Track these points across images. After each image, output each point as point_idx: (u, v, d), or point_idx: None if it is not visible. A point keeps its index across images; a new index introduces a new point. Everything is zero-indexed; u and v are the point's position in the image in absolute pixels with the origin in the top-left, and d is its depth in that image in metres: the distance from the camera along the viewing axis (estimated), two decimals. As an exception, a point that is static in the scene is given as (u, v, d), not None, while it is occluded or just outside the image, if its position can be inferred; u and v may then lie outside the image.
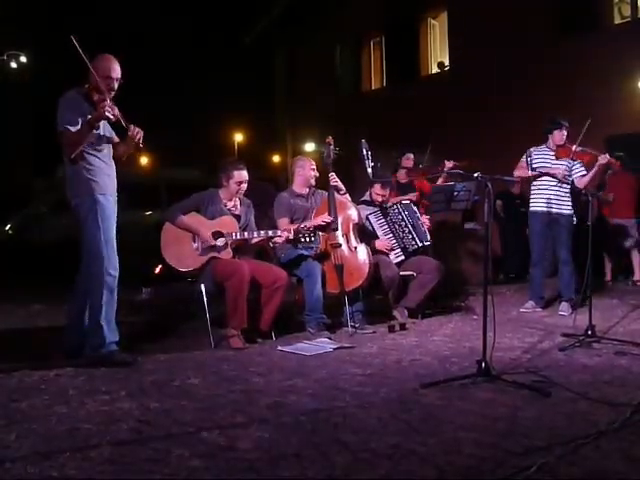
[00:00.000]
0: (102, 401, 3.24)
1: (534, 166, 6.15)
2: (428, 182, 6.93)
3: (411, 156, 7.07)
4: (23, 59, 18.21)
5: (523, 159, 6.28)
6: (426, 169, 6.94)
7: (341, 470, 2.36)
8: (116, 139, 4.28)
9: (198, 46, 30.47)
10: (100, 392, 3.41)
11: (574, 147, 6.02)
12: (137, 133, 4.07)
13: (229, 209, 4.94)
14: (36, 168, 21.40)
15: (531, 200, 6.38)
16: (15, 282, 8.99)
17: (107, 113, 3.85)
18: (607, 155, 5.95)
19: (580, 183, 6.08)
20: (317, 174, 5.56)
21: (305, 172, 5.53)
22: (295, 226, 4.98)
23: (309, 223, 5.12)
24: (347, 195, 5.54)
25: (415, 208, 6.10)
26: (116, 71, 4.07)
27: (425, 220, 6.07)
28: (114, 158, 4.28)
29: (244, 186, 4.96)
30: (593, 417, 2.91)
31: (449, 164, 6.64)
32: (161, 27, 29.06)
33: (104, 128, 4.17)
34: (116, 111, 3.92)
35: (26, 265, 10.16)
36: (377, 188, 5.91)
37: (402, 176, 6.97)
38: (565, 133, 6.16)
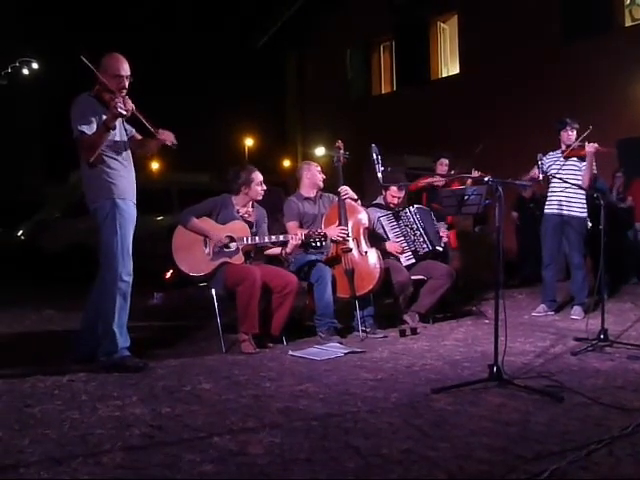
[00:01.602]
0: (114, 406, 3.26)
1: (544, 169, 6.11)
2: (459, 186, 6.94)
3: (445, 161, 7.06)
4: (35, 65, 18.35)
5: (535, 168, 6.19)
6: (457, 174, 6.92)
7: (353, 475, 2.36)
8: (138, 136, 4.28)
9: (209, 49, 30.58)
10: (112, 397, 3.42)
11: (574, 144, 6.02)
12: (167, 137, 4.12)
13: (241, 215, 4.96)
14: (46, 173, 21.56)
15: (545, 203, 6.38)
16: (27, 287, 9.05)
17: (120, 110, 3.83)
18: (595, 144, 5.89)
19: (583, 182, 6.02)
20: (324, 177, 5.58)
21: (313, 176, 5.54)
22: (306, 231, 4.98)
23: (325, 231, 5.07)
24: (359, 202, 5.54)
25: (431, 213, 6.10)
26: (125, 69, 4.06)
27: (443, 234, 6.10)
28: (136, 156, 4.30)
29: (264, 185, 5.02)
30: (606, 422, 2.90)
31: (475, 173, 6.63)
32: (172, 31, 29.23)
33: (121, 129, 4.16)
34: (130, 106, 3.91)
35: (38, 270, 10.23)
36: (393, 190, 5.90)
37: (437, 180, 6.98)
38: (572, 133, 6.14)
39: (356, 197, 5.47)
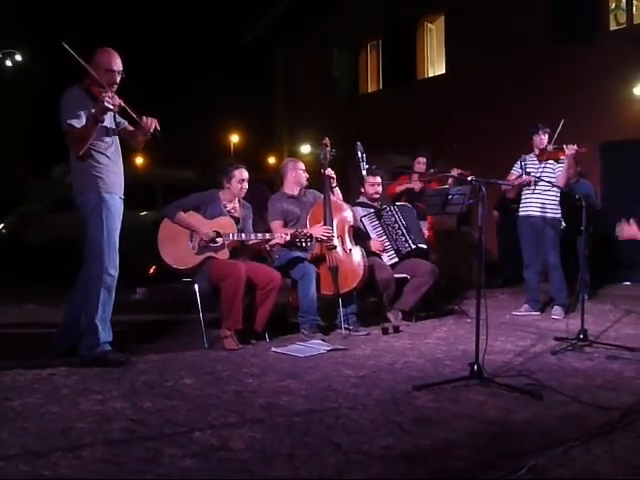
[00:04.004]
0: (95, 400, 3.24)
1: (527, 170, 6.20)
2: (438, 185, 6.97)
3: (423, 160, 7.08)
4: (18, 57, 18.14)
5: (516, 166, 6.32)
6: (437, 173, 6.95)
7: (333, 470, 2.37)
8: (130, 128, 4.28)
9: (196, 47, 30.47)
10: (93, 392, 3.41)
11: (549, 147, 6.11)
12: (151, 123, 4.09)
13: (229, 211, 4.95)
14: (30, 167, 21.36)
15: (520, 205, 6.46)
16: (9, 281, 8.97)
17: (107, 104, 3.81)
18: (574, 146, 5.98)
19: (559, 182, 6.12)
20: (307, 176, 5.58)
21: (297, 174, 5.55)
22: (292, 230, 4.98)
23: (310, 230, 5.08)
24: (337, 189, 5.55)
25: (414, 210, 6.13)
26: (117, 64, 4.06)
27: (425, 231, 6.14)
28: (132, 147, 4.31)
29: (246, 184, 4.98)
30: (584, 420, 2.93)
31: (454, 172, 6.66)
32: (158, 27, 29.06)
33: (111, 124, 4.16)
34: (117, 101, 3.90)
35: (20, 264, 10.15)
36: (371, 180, 5.96)
37: (414, 179, 7.02)
38: (544, 137, 6.25)
39: (335, 183, 5.49)
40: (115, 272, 4.07)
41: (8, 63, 18.25)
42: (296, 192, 5.55)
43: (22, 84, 22.25)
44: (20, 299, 6.97)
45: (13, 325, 5.72)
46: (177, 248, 4.78)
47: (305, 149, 14.26)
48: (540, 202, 6.26)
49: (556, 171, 6.22)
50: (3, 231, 11.41)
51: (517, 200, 8.95)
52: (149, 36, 27.51)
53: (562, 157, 6.11)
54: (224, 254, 4.78)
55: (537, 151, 6.31)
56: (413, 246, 5.84)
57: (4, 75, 19.64)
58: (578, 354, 4.39)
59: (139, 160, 22.00)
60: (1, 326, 5.66)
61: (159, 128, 4.14)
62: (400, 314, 5.68)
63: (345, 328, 5.19)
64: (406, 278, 5.78)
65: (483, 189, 3.72)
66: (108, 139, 4.11)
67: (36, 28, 22.75)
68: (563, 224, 6.32)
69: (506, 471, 2.33)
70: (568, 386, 3.54)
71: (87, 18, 25.36)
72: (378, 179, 6.04)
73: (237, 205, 5.02)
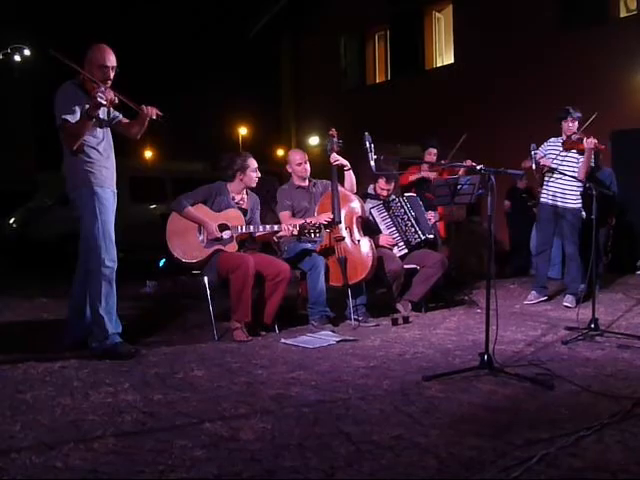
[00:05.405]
0: (106, 393, 3.26)
1: (537, 159, 6.13)
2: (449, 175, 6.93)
3: (434, 151, 7.05)
4: (27, 52, 18.19)
5: (541, 149, 6.20)
6: (449, 164, 6.92)
7: (343, 461, 2.37)
8: (125, 120, 4.30)
9: (203, 39, 30.43)
10: (104, 384, 3.43)
11: (574, 136, 6.03)
12: (151, 110, 4.11)
13: (237, 202, 4.95)
14: (39, 162, 21.46)
15: (541, 192, 6.41)
16: (20, 275, 9.04)
17: (100, 99, 3.83)
18: (594, 140, 5.91)
19: (580, 175, 6.04)
20: (307, 167, 5.52)
21: (293, 167, 5.52)
22: (300, 221, 4.98)
23: (312, 219, 5.08)
24: (350, 172, 5.50)
25: (420, 201, 6.10)
26: (111, 60, 4.07)
27: (430, 217, 6.09)
28: (129, 137, 4.31)
29: (258, 173, 5.00)
30: (595, 409, 2.92)
31: (468, 163, 6.62)
32: (166, 20, 29.06)
33: (104, 117, 4.17)
34: (110, 96, 3.92)
35: (30, 258, 10.21)
36: (381, 183, 5.91)
37: (424, 169, 6.98)
38: (572, 124, 6.11)
39: (348, 165, 5.45)
40: (113, 264, 4.10)
41: (17, 58, 18.30)
42: (304, 183, 5.54)
43: (31, 79, 22.34)
44: (30, 293, 7.02)
45: (24, 319, 5.75)
46: (186, 242, 4.79)
47: (313, 141, 14.24)
48: (559, 191, 6.18)
49: (579, 161, 6.10)
50: (14, 225, 11.48)
51: (527, 189, 8.94)
52: (158, 28, 27.53)
53: (581, 149, 6.02)
54: (233, 247, 4.78)
55: (564, 137, 6.19)
56: (423, 237, 5.82)
57: (13, 69, 19.70)
58: (589, 343, 4.37)
59: (148, 154, 22.04)
60: (12, 320, 5.69)
61: (161, 113, 4.15)
62: (409, 305, 5.68)
63: (354, 319, 5.19)
64: (415, 269, 5.77)
65: (492, 178, 3.69)
66: (99, 134, 4.13)
67: (43, 22, 22.78)
68: (583, 214, 6.24)
69: (517, 460, 2.32)
70: (579, 375, 3.53)
71: (96, 15, 25.38)
72: (391, 185, 5.97)
73: (245, 196, 5.02)
